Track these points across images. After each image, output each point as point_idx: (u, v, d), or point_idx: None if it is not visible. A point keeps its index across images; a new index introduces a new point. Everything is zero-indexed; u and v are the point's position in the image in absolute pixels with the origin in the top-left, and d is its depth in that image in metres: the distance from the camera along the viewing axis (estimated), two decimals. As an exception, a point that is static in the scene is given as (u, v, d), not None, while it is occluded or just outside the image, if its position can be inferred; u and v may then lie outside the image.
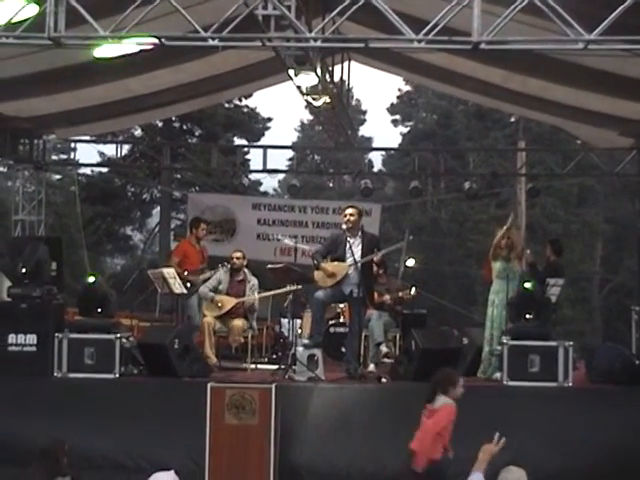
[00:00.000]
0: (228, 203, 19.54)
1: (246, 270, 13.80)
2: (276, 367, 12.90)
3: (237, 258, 13.72)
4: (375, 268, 13.21)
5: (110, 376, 11.77)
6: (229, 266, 13.68)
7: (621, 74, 11.90)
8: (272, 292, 13.93)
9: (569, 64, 11.85)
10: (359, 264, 11.97)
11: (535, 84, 13.59)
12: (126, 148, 21.82)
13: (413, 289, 14.66)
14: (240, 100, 33.81)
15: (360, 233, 12.29)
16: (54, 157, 24.27)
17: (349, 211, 12.36)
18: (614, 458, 10.77)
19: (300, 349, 11.99)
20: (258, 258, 18.42)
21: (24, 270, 12.25)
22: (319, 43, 9.81)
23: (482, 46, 9.07)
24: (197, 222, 14.92)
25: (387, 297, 14.23)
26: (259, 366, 13.62)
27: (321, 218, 19.02)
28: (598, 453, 10.77)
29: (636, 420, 10.97)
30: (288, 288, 13.27)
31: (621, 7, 8.60)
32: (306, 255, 16.81)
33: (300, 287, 13.17)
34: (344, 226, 12.29)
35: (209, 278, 13.76)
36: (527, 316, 12.03)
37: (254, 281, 13.69)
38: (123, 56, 11.74)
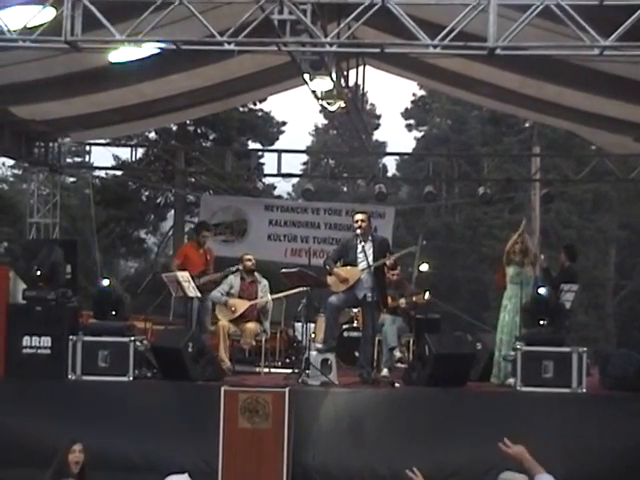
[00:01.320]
0: (240, 204, 19.39)
1: (256, 273, 13.88)
2: (290, 371, 12.91)
3: (248, 260, 13.83)
4: (388, 271, 13.23)
5: (124, 379, 11.77)
6: (239, 268, 13.76)
7: (637, 80, 11.87)
8: (285, 293, 13.96)
9: (585, 69, 11.83)
10: (372, 268, 11.98)
11: (551, 90, 13.58)
12: (140, 151, 21.95)
13: (427, 294, 14.62)
14: (254, 104, 33.80)
15: (371, 237, 12.32)
16: (69, 160, 24.33)
17: (359, 217, 12.35)
18: (627, 464, 10.74)
19: (314, 353, 11.98)
20: (268, 259, 18.36)
21: (39, 273, 12.28)
22: (334, 48, 9.86)
23: (498, 52, 9.07)
24: (200, 227, 14.98)
25: (403, 301, 14.23)
26: (272, 370, 13.65)
27: (334, 219, 18.77)
28: (611, 459, 10.74)
29: (650, 426, 10.96)
30: (298, 289, 13.30)
31: (637, 13, 8.60)
32: (317, 256, 16.81)
33: (309, 289, 13.16)
34: (358, 231, 12.30)
35: (217, 282, 13.80)
36: (541, 322, 12.01)
37: (264, 282, 13.77)
38: (138, 60, 11.78)
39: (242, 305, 13.48)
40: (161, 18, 9.20)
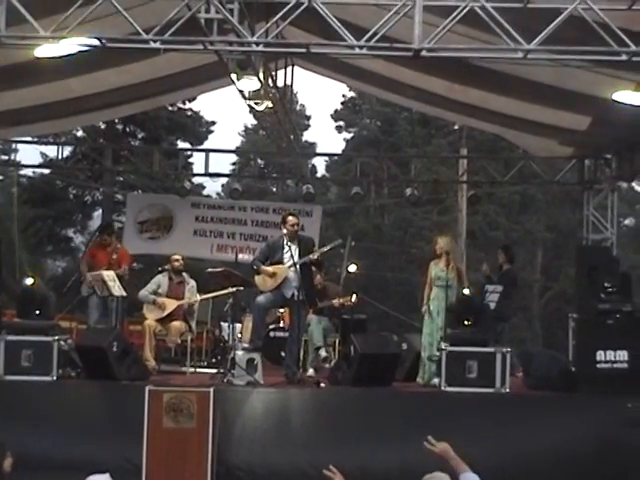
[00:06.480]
0: (167, 202, 19.15)
1: (184, 274, 13.85)
2: (215, 371, 12.89)
3: (176, 260, 13.81)
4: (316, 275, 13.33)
5: (47, 378, 11.66)
6: (166, 268, 13.75)
7: (559, 86, 12.06)
8: (213, 294, 13.93)
9: (509, 76, 11.98)
10: (298, 265, 12.03)
11: (476, 94, 13.70)
12: (68, 150, 21.62)
13: (354, 296, 14.68)
14: (184, 103, 33.71)
15: (297, 237, 12.40)
16: (-6, 158, 24.02)
17: (294, 220, 12.42)
18: (549, 464, 10.88)
19: (239, 353, 11.99)
20: (194, 255, 18.24)
21: (-38, 272, 12.13)
22: (261, 47, 9.84)
23: (423, 53, 9.13)
24: (102, 230, 15.25)
25: (336, 301, 14.33)
26: (198, 370, 13.63)
27: (261, 217, 18.61)
28: (534, 459, 10.87)
29: (572, 426, 11.10)
30: (229, 290, 13.22)
31: (558, 19, 8.76)
32: (244, 252, 16.82)
33: (240, 289, 13.08)
34: (284, 231, 12.35)
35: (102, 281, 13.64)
36: (466, 322, 12.13)
37: (192, 283, 13.80)
38: (65, 56, 11.64)
39: (171, 304, 13.45)
40: (87, 14, 9.12)
